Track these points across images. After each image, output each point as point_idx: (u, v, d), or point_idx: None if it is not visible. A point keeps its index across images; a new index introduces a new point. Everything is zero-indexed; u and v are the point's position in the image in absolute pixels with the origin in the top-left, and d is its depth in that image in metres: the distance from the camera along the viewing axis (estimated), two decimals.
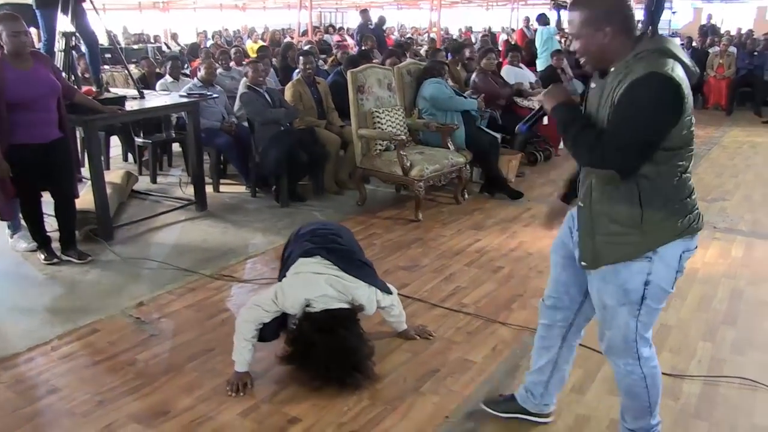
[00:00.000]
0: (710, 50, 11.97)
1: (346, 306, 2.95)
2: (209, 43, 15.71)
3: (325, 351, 2.82)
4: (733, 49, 11.70)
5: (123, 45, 12.68)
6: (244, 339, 2.93)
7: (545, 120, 2.55)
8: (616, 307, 2.18)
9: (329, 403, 2.84)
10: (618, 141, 1.94)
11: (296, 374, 3.01)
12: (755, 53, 11.20)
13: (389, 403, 2.85)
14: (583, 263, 2.21)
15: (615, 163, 1.97)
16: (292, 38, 17.21)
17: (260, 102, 5.70)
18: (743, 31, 15.20)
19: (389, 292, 3.19)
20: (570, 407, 2.82)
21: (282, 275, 3.17)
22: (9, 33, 3.89)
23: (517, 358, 3.22)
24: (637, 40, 2.02)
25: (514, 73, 7.87)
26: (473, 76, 7.12)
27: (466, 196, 5.99)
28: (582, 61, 2.11)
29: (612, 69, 2.04)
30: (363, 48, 9.31)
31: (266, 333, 3.04)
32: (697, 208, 2.13)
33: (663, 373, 2.95)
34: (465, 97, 6.29)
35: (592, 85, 2.15)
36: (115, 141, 7.58)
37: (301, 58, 6.53)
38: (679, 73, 1.93)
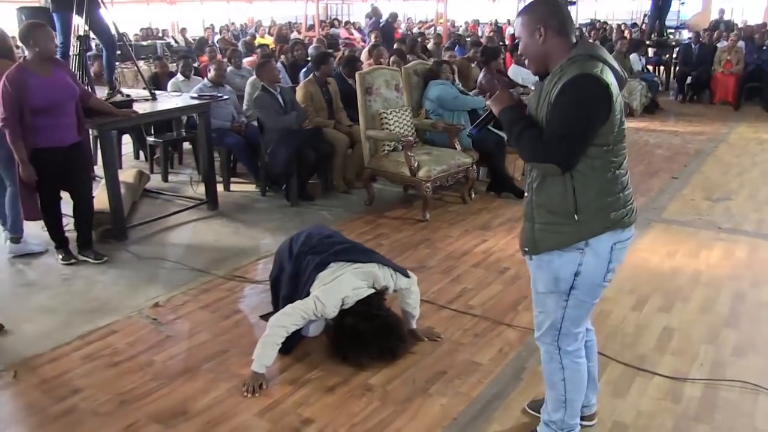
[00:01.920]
0: (718, 45, 11.95)
1: (373, 290, 3.25)
2: (217, 38, 15.77)
3: (372, 334, 3.17)
4: (741, 44, 11.66)
5: (132, 41, 12.71)
6: (274, 343, 3.07)
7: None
8: (546, 294, 2.36)
9: (342, 404, 2.94)
10: (554, 137, 2.12)
11: (309, 377, 3.12)
12: (764, 47, 11.18)
13: (399, 404, 2.95)
14: (525, 249, 2.38)
15: (553, 157, 2.14)
16: (299, 32, 17.30)
17: (274, 108, 5.75)
18: (753, 24, 15.14)
19: (407, 276, 3.39)
20: None
21: (299, 294, 3.25)
22: (46, 38, 4.03)
23: (522, 360, 3.31)
24: (573, 45, 2.20)
25: (520, 73, 7.91)
26: (480, 76, 7.19)
27: (473, 195, 6.07)
28: (526, 63, 2.33)
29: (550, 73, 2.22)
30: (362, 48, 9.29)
31: (289, 342, 3.20)
32: (631, 203, 2.29)
33: (665, 376, 3.09)
34: (471, 96, 6.38)
35: (533, 87, 2.35)
36: (126, 138, 7.68)
37: (322, 65, 6.52)
38: (607, 75, 2.11)
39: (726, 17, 17.81)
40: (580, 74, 2.08)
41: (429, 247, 4.89)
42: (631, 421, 2.81)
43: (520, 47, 2.30)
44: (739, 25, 16.57)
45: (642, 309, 3.83)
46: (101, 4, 5.31)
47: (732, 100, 11.23)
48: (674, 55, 13.12)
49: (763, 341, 3.51)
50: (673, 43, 13.87)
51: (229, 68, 7.61)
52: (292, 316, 3.09)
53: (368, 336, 3.17)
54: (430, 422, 2.83)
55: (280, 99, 5.85)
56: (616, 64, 2.20)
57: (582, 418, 2.69)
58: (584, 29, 17.33)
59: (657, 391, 3.03)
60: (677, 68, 12.44)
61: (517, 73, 7.92)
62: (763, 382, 3.09)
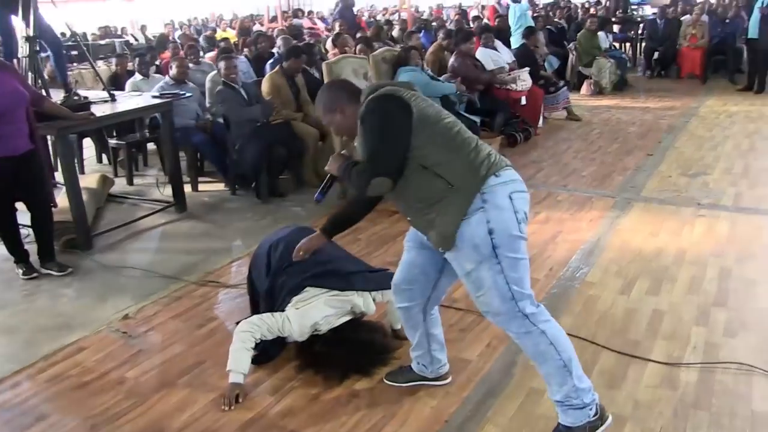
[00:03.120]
0: (683, 19, 11.96)
1: (348, 318, 3.06)
2: (177, 34, 15.42)
3: (342, 359, 3.00)
4: (705, 18, 11.70)
5: (90, 41, 12.35)
6: (244, 348, 2.90)
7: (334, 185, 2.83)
8: (477, 267, 2.31)
9: (327, 413, 2.80)
10: (372, 160, 2.33)
11: (291, 386, 2.98)
12: (727, 21, 11.23)
13: (387, 409, 2.81)
14: (441, 250, 2.39)
15: (377, 172, 2.32)
16: (262, 24, 16.99)
17: (236, 100, 5.57)
18: None
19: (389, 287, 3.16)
20: None
21: (273, 308, 3.09)
22: None
23: (512, 353, 3.18)
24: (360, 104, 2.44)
25: (489, 56, 7.78)
26: (451, 59, 7.05)
27: None
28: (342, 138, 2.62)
29: None
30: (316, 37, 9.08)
31: (270, 350, 3.09)
32: (491, 152, 2.39)
33: (660, 362, 3.01)
34: (441, 82, 6.24)
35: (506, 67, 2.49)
36: (87, 142, 7.42)
37: (291, 58, 6.29)
38: (388, 89, 2.39)
39: None
40: (364, 106, 2.38)
41: None
42: (629, 412, 2.71)
43: (332, 129, 2.61)
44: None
45: (630, 292, 3.74)
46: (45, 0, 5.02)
47: (699, 74, 11.28)
48: (640, 31, 13.13)
49: (752, 319, 3.44)
50: (638, 19, 13.89)
51: (189, 64, 7.36)
52: (259, 328, 2.93)
53: (338, 361, 3.01)
54: (422, 426, 2.70)
55: (243, 93, 5.64)
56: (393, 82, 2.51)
57: (438, 379, 2.90)
58: (548, 9, 17.30)
59: (653, 379, 2.93)
60: (644, 44, 12.46)
61: (485, 55, 7.79)
62: (756, 362, 3.01)
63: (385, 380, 2.97)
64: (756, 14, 9.66)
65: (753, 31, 9.76)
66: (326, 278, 3.08)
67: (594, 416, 2.41)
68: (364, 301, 3.10)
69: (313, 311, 2.98)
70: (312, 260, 3.06)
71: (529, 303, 2.36)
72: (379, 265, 4.19)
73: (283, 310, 3.01)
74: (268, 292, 3.16)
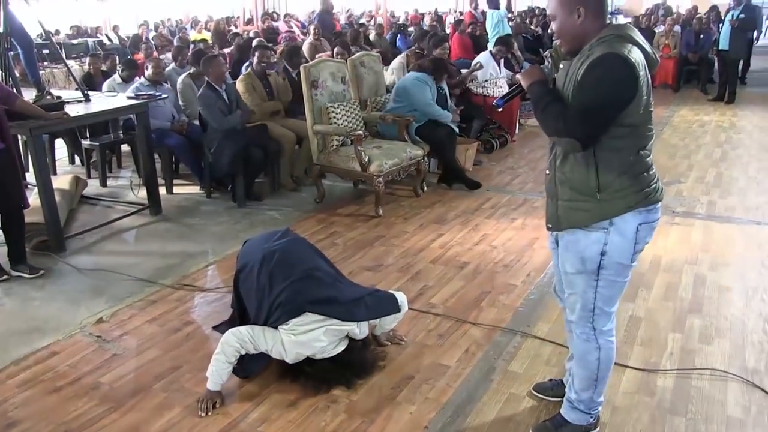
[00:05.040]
0: (656, 29, 12.14)
1: (343, 346, 3.01)
2: (152, 34, 15.27)
3: (331, 374, 2.97)
4: (677, 28, 11.90)
5: (62, 40, 12.14)
6: (226, 361, 2.85)
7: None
8: (575, 274, 2.34)
9: (305, 419, 2.77)
10: (577, 113, 2.12)
11: (268, 391, 2.95)
12: (701, 36, 11.43)
13: (366, 415, 2.79)
14: (549, 225, 2.40)
15: (575, 131, 2.14)
16: (236, 26, 16.88)
17: (218, 106, 5.46)
18: (682, 10, 15.50)
19: (396, 309, 3.14)
20: (549, 409, 2.80)
21: (263, 321, 2.98)
22: None
23: (491, 359, 3.20)
24: (606, 27, 2.18)
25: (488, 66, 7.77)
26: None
27: (425, 188, 5.95)
28: (557, 42, 2.33)
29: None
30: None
31: (253, 367, 3.02)
32: (656, 182, 2.27)
33: (638, 368, 3.04)
34: (446, 107, 6.20)
35: (561, 65, 2.30)
36: (60, 143, 7.29)
37: (256, 52, 6.35)
38: (635, 55, 2.10)
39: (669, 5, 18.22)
40: (607, 53, 2.07)
41: (384, 244, 4.74)
42: (606, 418, 2.72)
43: (554, 25, 2.26)
44: (674, 11, 16.93)
45: None
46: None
47: (672, 83, 11.45)
48: None
49: (726, 325, 3.49)
50: None
51: (171, 65, 7.29)
52: (247, 343, 2.86)
53: (324, 376, 2.97)
54: None
55: (225, 97, 5.57)
56: (647, 45, 2.17)
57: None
58: (524, 16, 17.45)
59: (630, 385, 2.95)
60: None
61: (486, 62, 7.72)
62: (730, 368, 3.08)
63: (532, 391, 2.89)
64: (726, 26, 9.86)
65: (724, 43, 9.97)
66: (328, 306, 2.92)
67: (591, 421, 2.58)
68: (360, 330, 3.03)
69: (312, 342, 2.88)
70: (314, 281, 2.99)
71: (606, 320, 2.41)
72: (356, 271, 4.23)
73: (275, 328, 2.91)
74: (258, 304, 3.01)
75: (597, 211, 2.22)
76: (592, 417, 2.57)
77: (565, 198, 2.29)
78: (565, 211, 2.29)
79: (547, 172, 2.39)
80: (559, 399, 2.79)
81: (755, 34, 11.50)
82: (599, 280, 2.30)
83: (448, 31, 14.08)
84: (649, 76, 2.16)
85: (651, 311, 3.62)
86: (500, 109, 2.63)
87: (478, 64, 7.44)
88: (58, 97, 5.15)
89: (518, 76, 2.36)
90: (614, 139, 2.15)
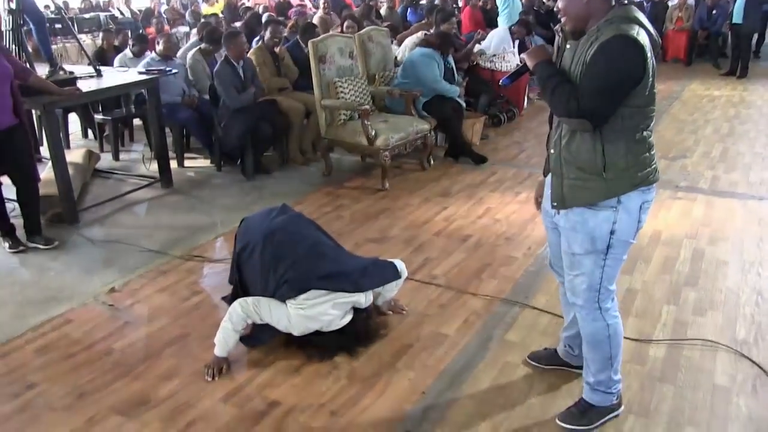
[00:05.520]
0: (669, 3, 12.03)
1: (350, 317, 3.10)
2: (163, 8, 15.28)
3: (335, 342, 3.08)
4: (691, 2, 11.79)
5: (73, 15, 12.22)
6: (233, 329, 2.96)
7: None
8: (584, 255, 2.37)
9: (308, 384, 2.89)
10: (588, 93, 2.14)
11: (274, 357, 3.07)
12: (714, 11, 11.32)
13: (366, 381, 2.91)
14: (554, 204, 2.41)
15: (585, 113, 2.16)
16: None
17: (234, 83, 5.54)
18: None
19: (397, 276, 3.25)
20: (543, 377, 2.91)
21: (271, 294, 3.04)
22: None
23: (489, 329, 3.30)
24: (612, 7, 2.20)
25: (501, 41, 7.81)
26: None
27: (432, 162, 6.02)
28: (563, 20, 2.30)
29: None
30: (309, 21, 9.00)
31: (261, 337, 3.12)
32: (655, 163, 2.34)
33: (631, 339, 3.12)
34: (453, 81, 6.25)
35: (568, 45, 2.32)
36: (73, 117, 7.40)
37: (269, 27, 6.39)
38: (643, 37, 2.13)
39: None
40: (617, 35, 2.10)
41: (389, 216, 4.83)
42: None
43: (560, 3, 2.27)
44: None
45: None
46: None
47: (683, 57, 11.37)
48: None
49: (720, 298, 3.56)
50: (626, 1, 13.90)
51: (194, 38, 7.32)
52: (254, 314, 2.97)
53: (329, 344, 3.08)
54: (399, 397, 2.80)
55: (242, 73, 5.64)
56: (651, 27, 2.20)
57: (579, 367, 2.74)
58: None
59: (623, 354, 3.02)
60: None
61: (500, 41, 7.74)
62: (720, 338, 3.17)
63: (528, 359, 2.99)
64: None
65: (738, 16, 9.89)
66: (335, 280, 3.02)
67: (615, 401, 2.61)
68: (366, 298, 3.13)
69: (321, 316, 2.98)
70: (318, 257, 3.09)
71: (609, 298, 2.48)
72: (361, 242, 4.33)
73: (283, 302, 3.00)
74: (265, 282, 3.08)
75: (603, 190, 2.26)
76: (615, 396, 2.60)
77: (571, 177, 2.32)
78: (571, 190, 2.32)
79: (552, 150, 2.41)
80: (552, 367, 2.91)
81: None
82: (607, 258, 2.35)
83: (460, 4, 14.01)
84: (654, 58, 2.20)
85: (647, 284, 3.70)
86: (506, 86, 2.66)
87: (479, 34, 7.43)
88: (71, 73, 5.25)
89: (524, 55, 2.39)
90: (620, 119, 2.19)
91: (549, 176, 2.47)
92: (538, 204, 2.75)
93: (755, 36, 10.94)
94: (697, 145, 6.50)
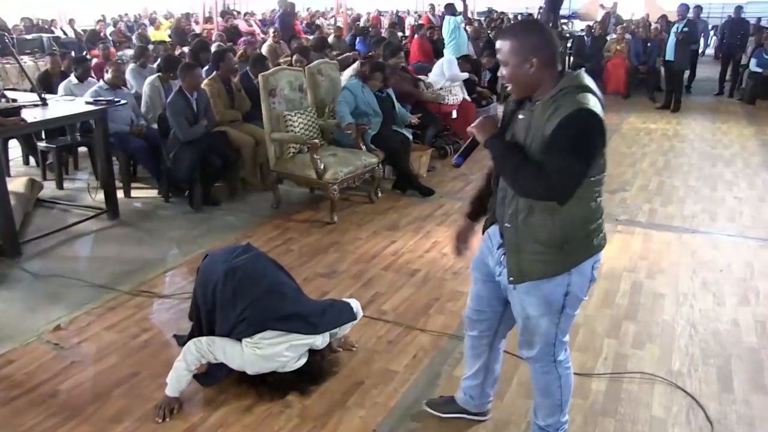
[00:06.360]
0: (608, 37, 12.55)
1: (305, 360, 3.13)
2: (109, 30, 15.11)
3: (289, 382, 3.11)
4: (629, 36, 12.33)
5: (15, 35, 11.92)
6: (186, 369, 2.96)
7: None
8: (539, 317, 2.40)
9: (260, 424, 2.91)
10: (555, 172, 2.09)
11: (226, 396, 3.07)
12: (649, 44, 11.86)
13: (318, 419, 2.94)
14: (510, 278, 2.37)
15: (556, 192, 2.15)
16: (197, 23, 16.79)
17: (185, 114, 5.53)
18: (635, 17, 16.01)
19: (352, 318, 3.30)
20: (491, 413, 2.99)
21: (229, 334, 3.06)
22: None
23: (437, 365, 3.37)
24: (560, 75, 2.20)
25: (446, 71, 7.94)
26: None
27: (380, 194, 6.10)
28: (508, 88, 2.30)
29: (538, 102, 2.19)
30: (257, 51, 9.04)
31: (215, 374, 3.12)
32: (603, 225, 2.36)
33: (574, 373, 3.22)
34: (393, 111, 6.33)
35: (520, 116, 2.28)
36: (13, 142, 7.23)
37: (225, 57, 6.41)
38: (597, 106, 2.13)
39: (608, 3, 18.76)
40: (579, 109, 2.08)
41: (338, 250, 4.88)
42: None
43: (506, 71, 2.22)
44: (626, 18, 17.44)
45: None
46: None
47: (623, 90, 11.83)
48: (569, 46, 13.65)
49: (657, 331, 3.73)
50: (567, 35, 14.43)
51: (132, 65, 7.30)
52: (208, 354, 2.98)
53: (282, 385, 3.11)
54: None
55: (195, 105, 5.63)
56: (598, 92, 2.20)
57: (479, 414, 2.92)
58: (481, 19, 17.77)
59: None
60: (571, 59, 12.95)
61: (448, 69, 7.88)
62: (657, 370, 3.32)
63: (425, 406, 2.99)
64: (672, 38, 10.29)
65: (670, 54, 10.40)
66: (292, 322, 3.05)
67: None
68: (322, 339, 3.16)
69: (276, 357, 3.00)
70: (279, 298, 3.11)
71: (563, 350, 2.52)
72: (311, 277, 4.37)
73: (239, 340, 3.01)
74: (223, 319, 3.10)
75: (561, 263, 2.28)
76: None
77: (529, 251, 2.29)
78: (531, 264, 2.30)
79: (507, 225, 2.34)
80: (449, 416, 2.93)
81: (699, 46, 11.99)
82: (561, 316, 2.39)
83: (407, 33, 14.28)
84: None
85: (589, 318, 3.84)
86: (458, 166, 2.52)
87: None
88: (14, 101, 5.16)
89: (471, 129, 2.30)
90: (579, 191, 2.17)
91: (489, 236, 2.52)
92: (459, 251, 2.71)
93: (687, 72, 11.48)
94: (635, 178, 6.78)
